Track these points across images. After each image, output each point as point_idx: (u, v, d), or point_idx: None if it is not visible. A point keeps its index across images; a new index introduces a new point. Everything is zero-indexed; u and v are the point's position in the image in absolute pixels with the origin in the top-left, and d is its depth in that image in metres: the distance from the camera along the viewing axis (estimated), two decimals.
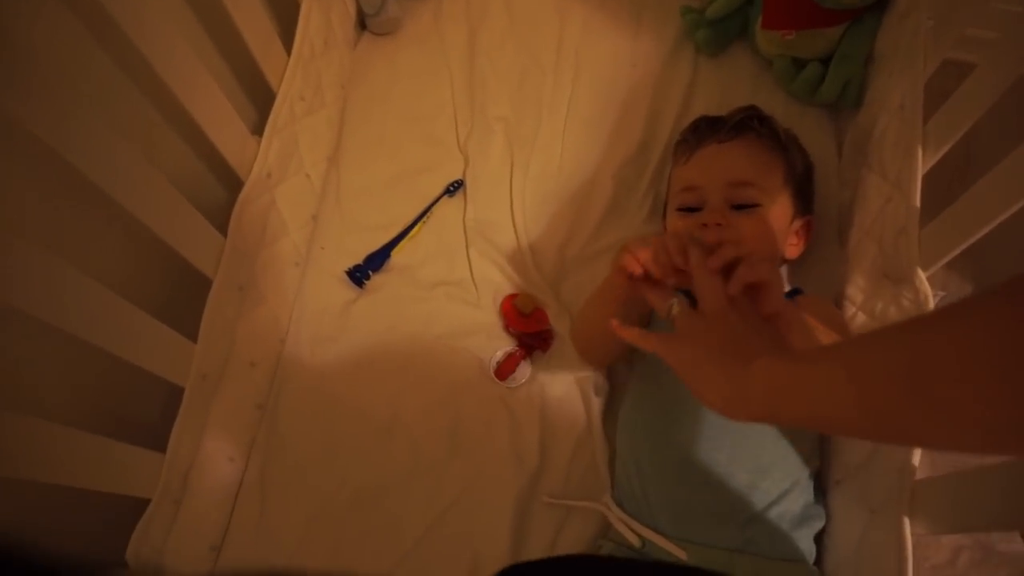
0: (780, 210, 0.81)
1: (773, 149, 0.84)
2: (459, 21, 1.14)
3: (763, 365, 0.50)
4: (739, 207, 0.79)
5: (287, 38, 0.97)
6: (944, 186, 0.79)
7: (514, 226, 0.98)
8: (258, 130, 0.91)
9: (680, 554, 0.70)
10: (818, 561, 0.73)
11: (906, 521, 0.63)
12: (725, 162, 0.83)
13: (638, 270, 0.67)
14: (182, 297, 0.81)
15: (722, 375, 0.53)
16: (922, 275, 0.71)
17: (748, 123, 0.85)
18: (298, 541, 0.81)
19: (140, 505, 0.74)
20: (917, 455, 0.64)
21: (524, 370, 0.89)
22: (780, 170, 0.83)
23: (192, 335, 0.79)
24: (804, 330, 0.62)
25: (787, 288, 0.85)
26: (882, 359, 0.42)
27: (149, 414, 0.83)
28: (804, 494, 0.74)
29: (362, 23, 1.14)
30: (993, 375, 0.36)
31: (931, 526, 0.62)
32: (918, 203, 0.74)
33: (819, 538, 0.74)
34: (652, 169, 1.01)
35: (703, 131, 0.87)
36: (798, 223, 0.85)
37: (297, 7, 0.99)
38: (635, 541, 0.73)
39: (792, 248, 0.85)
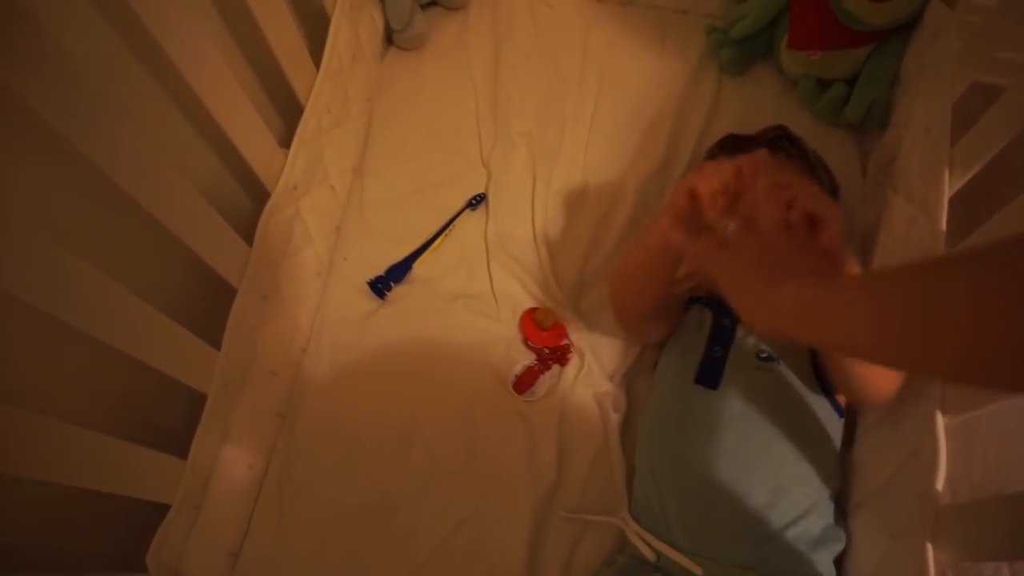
0: None
1: (803, 170, 0.84)
2: (485, 36, 1.15)
3: (796, 284, 0.52)
4: None
5: (316, 52, 0.98)
6: (968, 208, 0.78)
7: (535, 240, 0.98)
8: (285, 142, 0.93)
9: (696, 570, 0.69)
10: None
11: (929, 547, 0.62)
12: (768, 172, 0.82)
13: (710, 188, 0.65)
14: (207, 305, 0.82)
15: (757, 286, 0.55)
16: None
17: (778, 143, 0.86)
18: (315, 549, 0.81)
19: (160, 510, 0.75)
20: (941, 479, 0.63)
21: (543, 384, 0.89)
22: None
23: (215, 343, 0.80)
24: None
25: None
26: (901, 294, 0.44)
27: (171, 420, 0.83)
28: (824, 515, 0.73)
29: (389, 38, 1.16)
30: (999, 321, 0.38)
31: (954, 553, 0.61)
32: (944, 226, 0.73)
33: (839, 561, 0.74)
34: (674, 186, 1.01)
35: (732, 148, 0.87)
36: None
37: (327, 22, 1.00)
38: (650, 555, 0.73)
39: None
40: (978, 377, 0.43)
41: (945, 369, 0.44)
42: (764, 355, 0.77)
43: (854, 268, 0.62)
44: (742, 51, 1.06)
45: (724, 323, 0.81)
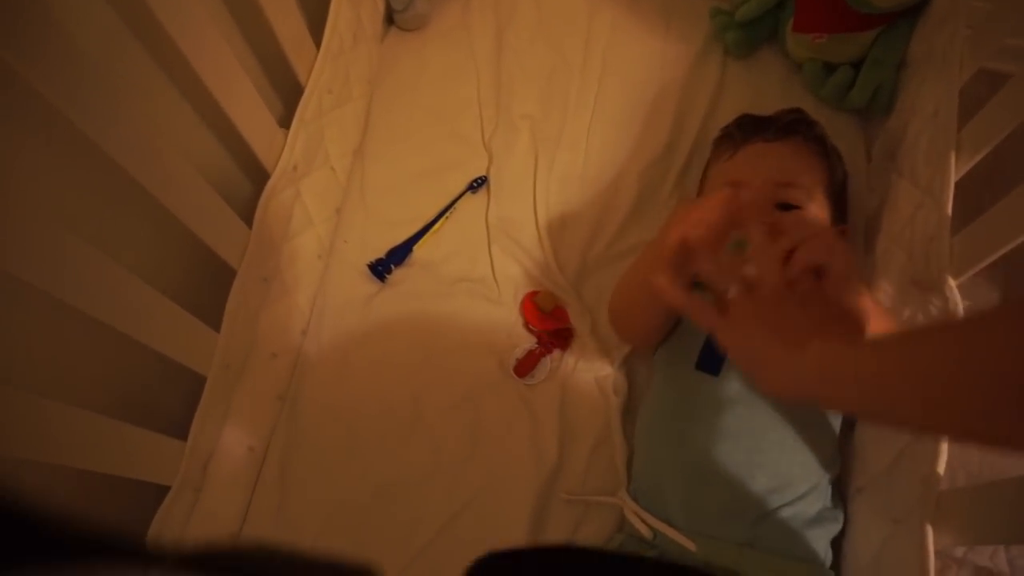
0: (819, 216, 0.80)
1: (818, 154, 0.84)
2: (487, 17, 1.14)
3: (816, 349, 0.49)
4: (782, 207, 0.78)
5: (316, 33, 0.97)
6: (973, 194, 0.78)
7: (537, 224, 0.98)
8: (285, 123, 0.92)
9: (690, 545, 0.70)
10: (836, 567, 0.73)
11: (929, 530, 0.62)
12: (773, 161, 0.82)
13: (702, 228, 0.62)
14: (207, 287, 0.81)
15: (773, 352, 0.52)
16: (952, 283, 0.70)
17: (797, 126, 0.85)
18: (316, 533, 0.81)
19: (161, 492, 0.75)
20: (942, 464, 0.63)
21: (544, 368, 0.89)
22: (824, 176, 0.82)
23: (216, 325, 0.80)
24: (880, 316, 0.60)
25: None
26: (940, 350, 0.42)
27: (172, 403, 0.83)
28: (821, 498, 0.73)
29: (390, 18, 1.15)
30: None
31: (955, 537, 0.61)
32: (950, 211, 0.72)
33: (837, 545, 0.74)
34: (677, 170, 1.00)
35: (749, 128, 0.86)
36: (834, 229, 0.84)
37: (327, 2, 0.99)
38: (647, 533, 0.73)
39: None
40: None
41: (996, 428, 0.40)
42: None
43: (869, 306, 0.59)
44: (747, 34, 1.05)
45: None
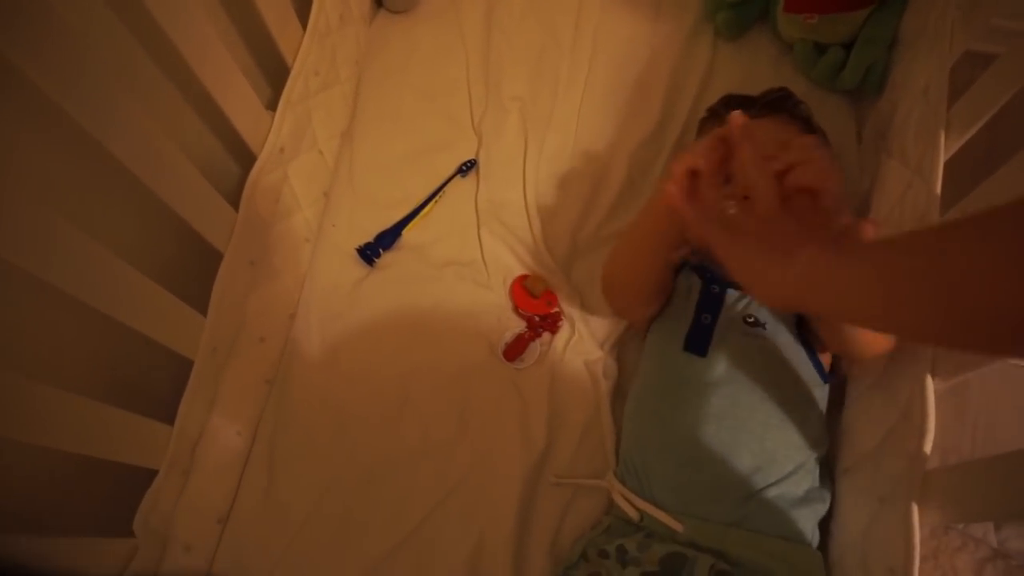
0: None
1: (804, 132, 0.84)
2: None
3: (806, 253, 0.52)
4: None
5: (303, 13, 0.96)
6: (967, 178, 0.77)
7: (526, 207, 0.97)
8: (272, 105, 0.91)
9: (676, 526, 0.70)
10: (823, 547, 0.73)
11: (915, 508, 0.62)
12: (758, 136, 0.81)
13: (700, 163, 0.62)
14: (195, 271, 0.81)
15: (764, 260, 0.55)
16: None
17: (782, 103, 0.85)
18: (304, 516, 0.81)
19: (148, 477, 0.74)
20: (929, 443, 0.63)
21: (533, 352, 0.89)
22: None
23: (203, 309, 0.79)
24: (871, 232, 0.61)
25: None
26: (909, 257, 0.45)
27: (160, 387, 0.83)
28: (809, 478, 0.73)
29: (379, 0, 1.14)
30: (1008, 281, 0.37)
31: (942, 515, 0.61)
32: (939, 189, 0.72)
33: (825, 525, 0.74)
34: (667, 152, 1.00)
35: (735, 105, 0.86)
36: None
37: None
38: (634, 515, 0.74)
39: None
40: (983, 340, 0.43)
41: (952, 333, 0.44)
42: (751, 320, 0.77)
43: (867, 231, 0.60)
44: (738, 14, 1.05)
45: (713, 290, 0.80)
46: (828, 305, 0.52)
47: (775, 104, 0.85)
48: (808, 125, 0.86)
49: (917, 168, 0.77)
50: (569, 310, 0.91)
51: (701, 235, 0.60)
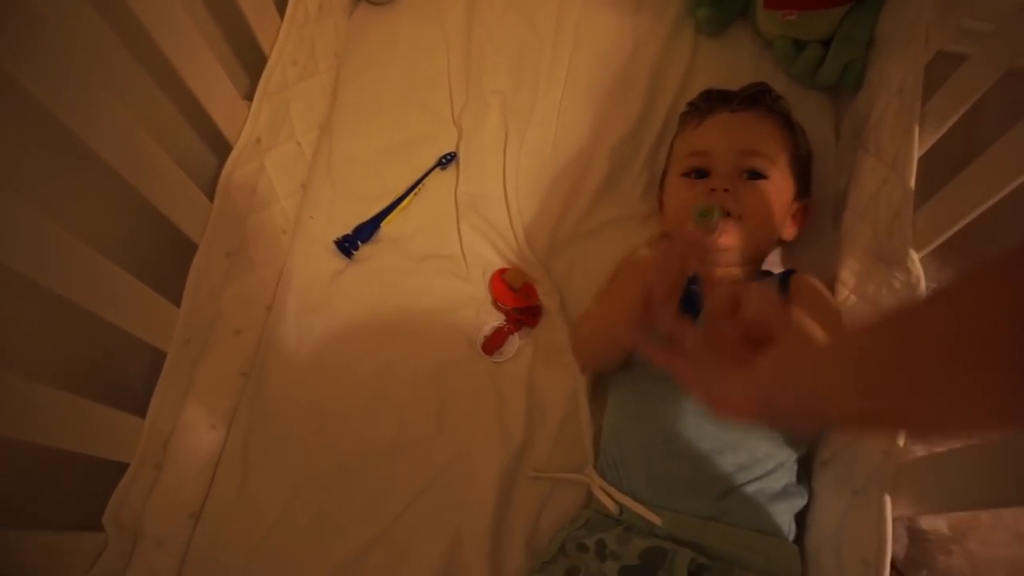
0: (784, 187, 0.82)
1: (783, 126, 0.85)
2: None
3: (768, 358, 0.50)
4: (748, 176, 0.80)
5: (281, 3, 0.95)
6: (948, 177, 0.78)
7: (506, 201, 0.97)
8: (250, 95, 0.90)
9: (656, 520, 0.70)
10: (800, 540, 0.73)
11: (887, 499, 0.62)
12: (737, 130, 0.83)
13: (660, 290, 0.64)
14: (171, 262, 0.80)
15: (728, 384, 0.53)
16: (915, 256, 0.71)
17: (761, 97, 0.86)
18: (279, 511, 0.80)
19: (120, 471, 0.73)
20: (902, 435, 0.64)
21: (512, 345, 0.88)
22: (788, 148, 0.83)
23: (178, 300, 0.78)
24: (798, 322, 0.60)
25: (780, 270, 0.85)
26: (879, 340, 0.43)
27: (134, 380, 0.82)
28: (787, 475, 0.74)
29: None
30: (993, 350, 0.35)
31: (914, 506, 0.62)
32: (913, 184, 0.73)
33: (802, 518, 0.74)
34: (648, 147, 1.00)
35: (714, 99, 0.87)
36: (796, 206, 0.84)
37: None
38: (613, 508, 0.74)
39: (789, 230, 0.85)
40: (961, 416, 0.40)
41: (931, 413, 0.41)
42: None
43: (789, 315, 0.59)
44: (719, 11, 1.05)
45: (693, 288, 0.80)
46: (798, 403, 0.49)
47: (754, 98, 0.86)
48: (787, 120, 0.86)
49: (892, 163, 0.77)
50: (549, 303, 0.91)
51: (658, 363, 0.59)
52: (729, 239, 0.79)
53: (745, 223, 0.79)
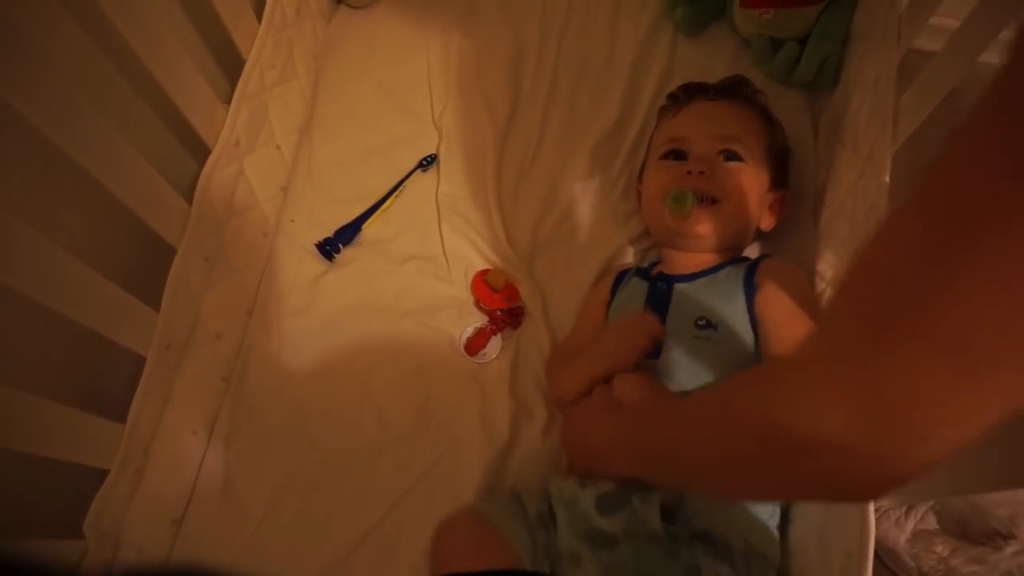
0: (760, 173, 0.83)
1: (759, 117, 0.86)
2: None
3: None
4: (724, 158, 0.81)
5: (259, 6, 0.95)
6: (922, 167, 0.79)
7: (488, 202, 0.97)
8: (228, 99, 0.90)
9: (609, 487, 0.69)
10: (784, 532, 0.73)
11: None
12: (714, 116, 0.85)
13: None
14: (150, 267, 0.79)
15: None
16: None
17: (738, 88, 0.88)
18: (262, 515, 0.80)
19: (100, 477, 0.73)
20: None
21: (494, 346, 0.88)
22: (763, 137, 0.85)
23: (157, 305, 0.78)
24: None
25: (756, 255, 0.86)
26: (651, 430, 0.58)
27: (114, 385, 0.81)
28: None
29: None
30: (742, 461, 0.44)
31: (895, 497, 0.62)
32: (888, 178, 0.74)
33: (787, 511, 0.74)
34: (628, 147, 1.00)
35: (693, 90, 0.89)
36: (772, 196, 0.85)
37: None
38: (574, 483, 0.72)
39: (766, 220, 0.85)
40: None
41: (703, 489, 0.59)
42: (703, 323, 0.76)
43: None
44: (696, 10, 1.06)
45: (659, 286, 0.81)
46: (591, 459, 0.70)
47: (732, 88, 0.88)
48: (763, 111, 0.88)
49: (868, 157, 0.78)
50: (531, 304, 0.91)
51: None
52: (704, 227, 0.79)
53: (721, 207, 0.79)
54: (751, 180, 0.81)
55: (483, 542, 0.69)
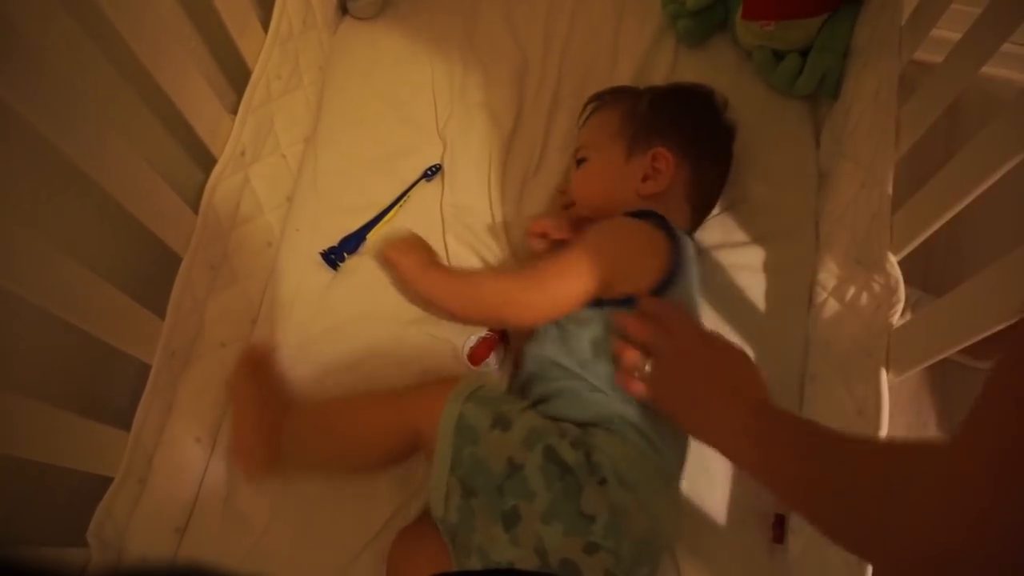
0: (606, 157, 0.87)
1: (611, 107, 0.92)
2: (442, 5, 1.13)
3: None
4: (578, 165, 0.91)
5: (265, 17, 0.96)
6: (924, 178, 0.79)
7: (492, 212, 0.98)
8: (234, 110, 0.90)
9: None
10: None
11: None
12: (584, 128, 0.96)
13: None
14: (155, 275, 0.80)
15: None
16: (893, 259, 0.71)
17: (604, 95, 0.96)
18: (265, 524, 0.80)
19: (104, 485, 0.73)
20: (883, 435, 0.64)
21: (499, 356, 0.88)
22: (613, 121, 0.89)
23: (163, 313, 0.78)
24: None
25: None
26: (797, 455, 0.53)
27: (119, 393, 0.81)
28: None
29: (343, 7, 1.14)
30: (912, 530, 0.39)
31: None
32: (891, 188, 0.74)
33: None
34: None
35: (585, 105, 0.98)
36: (643, 159, 0.84)
37: None
38: None
39: (648, 184, 0.84)
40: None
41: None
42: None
43: None
44: (698, 22, 1.06)
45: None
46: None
47: (599, 96, 0.96)
48: (615, 97, 0.94)
49: (870, 167, 0.78)
50: None
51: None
52: (572, 224, 0.89)
53: (577, 208, 0.91)
54: (596, 171, 0.88)
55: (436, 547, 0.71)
